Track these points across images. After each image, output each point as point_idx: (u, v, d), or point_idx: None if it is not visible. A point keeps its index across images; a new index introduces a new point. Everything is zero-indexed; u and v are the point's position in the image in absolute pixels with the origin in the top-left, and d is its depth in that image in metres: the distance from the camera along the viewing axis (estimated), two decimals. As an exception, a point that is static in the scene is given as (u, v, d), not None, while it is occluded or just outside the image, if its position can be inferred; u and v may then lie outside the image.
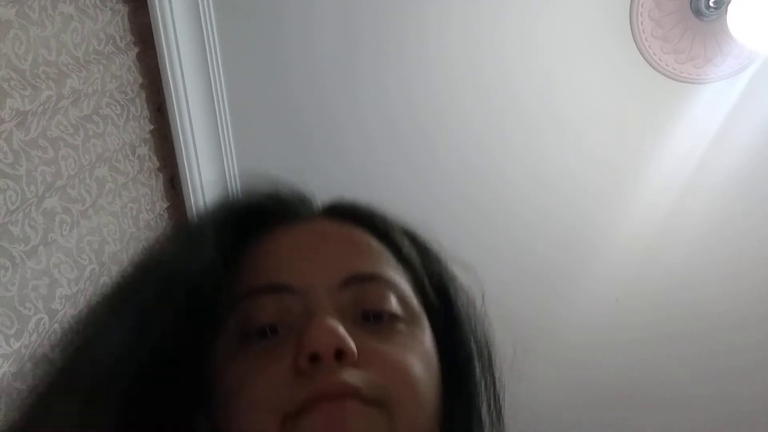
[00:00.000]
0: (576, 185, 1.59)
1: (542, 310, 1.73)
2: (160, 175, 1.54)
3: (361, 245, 0.43)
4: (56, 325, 1.11)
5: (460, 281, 0.48)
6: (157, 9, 1.40)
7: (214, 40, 1.50)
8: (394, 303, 0.40)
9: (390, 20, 1.47)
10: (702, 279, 1.65)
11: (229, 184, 1.63)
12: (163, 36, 1.42)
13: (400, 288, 0.41)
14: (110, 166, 1.32)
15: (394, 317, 0.39)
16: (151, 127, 1.49)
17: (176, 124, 1.50)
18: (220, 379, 0.37)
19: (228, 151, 1.60)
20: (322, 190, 1.76)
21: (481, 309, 0.48)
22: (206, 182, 1.59)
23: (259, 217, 0.43)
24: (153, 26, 1.41)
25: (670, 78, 1.46)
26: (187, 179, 1.55)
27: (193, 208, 1.57)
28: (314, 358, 0.35)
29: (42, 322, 1.06)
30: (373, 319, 0.39)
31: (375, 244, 0.43)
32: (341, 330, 0.35)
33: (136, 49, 1.42)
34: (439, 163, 1.59)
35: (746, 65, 1.44)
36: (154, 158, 1.51)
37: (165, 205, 1.54)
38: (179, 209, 1.60)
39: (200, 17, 1.47)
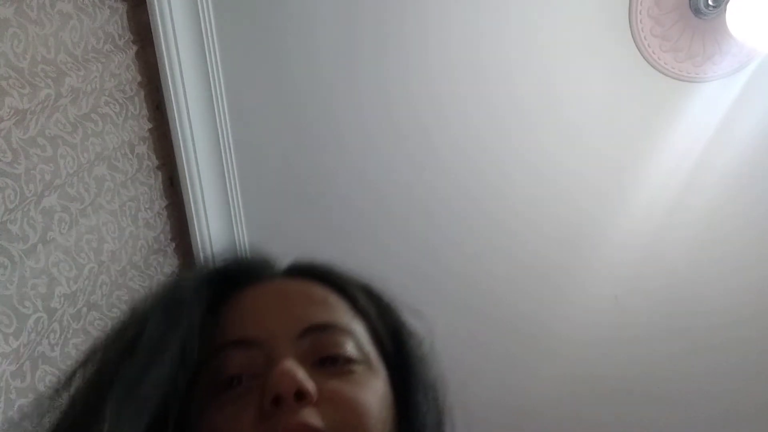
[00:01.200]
0: (576, 183, 1.59)
1: (542, 307, 1.74)
2: (159, 173, 1.54)
3: (318, 298, 0.47)
4: (55, 324, 1.11)
5: (411, 327, 0.53)
6: (156, 7, 1.40)
7: (213, 38, 1.50)
8: (349, 348, 0.44)
9: (390, 20, 1.47)
10: (701, 276, 1.65)
11: (228, 182, 1.62)
12: (162, 34, 1.42)
13: (355, 334, 0.46)
14: (109, 165, 1.32)
15: (349, 360, 0.44)
16: (150, 125, 1.49)
17: (175, 122, 1.50)
18: (198, 429, 0.41)
19: (227, 149, 1.60)
20: (321, 188, 1.77)
21: (430, 351, 0.53)
22: (205, 180, 1.59)
23: (229, 281, 0.48)
24: (152, 24, 1.41)
25: (669, 76, 1.46)
26: (186, 177, 1.55)
27: (192, 208, 1.57)
28: (277, 401, 0.38)
29: (41, 321, 1.06)
30: (330, 363, 0.43)
31: (332, 297, 0.48)
32: (301, 373, 0.40)
33: (135, 48, 1.42)
34: (440, 160, 1.59)
35: (745, 63, 1.44)
36: (153, 156, 1.51)
37: (164, 204, 1.54)
38: (178, 207, 1.60)
39: (199, 15, 1.47)
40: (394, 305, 0.53)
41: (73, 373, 0.44)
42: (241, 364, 0.42)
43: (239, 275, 0.49)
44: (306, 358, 0.42)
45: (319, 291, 0.48)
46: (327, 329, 0.44)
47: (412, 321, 0.53)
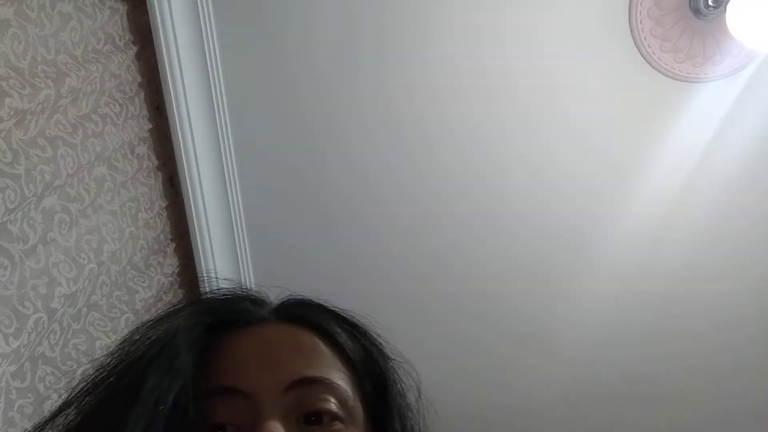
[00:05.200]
0: (576, 183, 1.59)
1: (543, 307, 1.74)
2: (159, 173, 1.54)
3: (306, 349, 0.48)
4: (55, 324, 1.12)
5: (398, 375, 0.53)
6: (156, 8, 1.40)
7: (213, 39, 1.50)
8: (333, 405, 0.45)
9: (391, 20, 1.47)
10: (701, 276, 1.65)
11: (228, 182, 1.63)
12: (162, 35, 1.42)
13: (340, 390, 0.46)
14: (109, 165, 1.32)
15: (333, 417, 0.45)
16: (150, 125, 1.49)
17: (175, 122, 1.50)
18: None
19: (227, 150, 1.60)
20: (321, 189, 1.77)
21: (415, 400, 0.53)
22: (205, 181, 1.59)
23: (218, 324, 0.48)
24: (152, 25, 1.41)
25: (669, 77, 1.46)
26: (186, 178, 1.55)
27: (192, 208, 1.57)
28: None
29: (41, 321, 1.06)
30: (314, 420, 0.44)
31: (320, 347, 0.48)
32: None
33: (135, 48, 1.42)
34: (440, 161, 1.59)
35: (745, 64, 1.44)
36: (153, 157, 1.51)
37: (164, 204, 1.54)
38: (178, 207, 1.60)
39: (199, 16, 1.47)
40: (383, 351, 0.53)
41: (58, 412, 0.45)
42: (227, 414, 0.43)
43: (231, 316, 0.49)
44: (291, 413, 0.43)
45: (308, 340, 0.49)
46: (313, 383, 0.45)
47: (400, 367, 0.53)
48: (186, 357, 0.44)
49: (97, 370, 0.46)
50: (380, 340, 0.54)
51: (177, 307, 0.51)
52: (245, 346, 0.47)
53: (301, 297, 0.54)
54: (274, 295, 0.55)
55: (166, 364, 0.43)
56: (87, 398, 0.45)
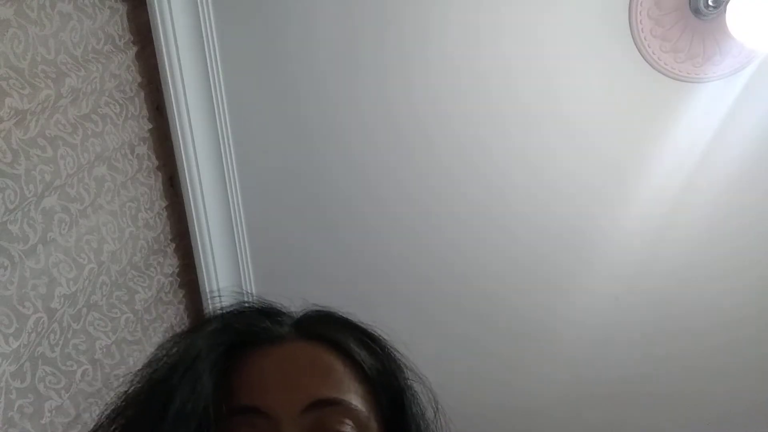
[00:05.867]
0: (576, 183, 1.59)
1: (543, 307, 1.74)
2: (159, 174, 1.54)
3: (325, 368, 0.49)
4: (55, 324, 1.11)
5: (415, 391, 0.54)
6: (156, 8, 1.40)
7: (213, 39, 1.50)
8: (349, 428, 0.46)
9: (390, 20, 1.47)
10: (701, 276, 1.65)
11: (228, 182, 1.63)
12: (162, 35, 1.42)
13: (356, 411, 0.47)
14: (109, 165, 1.32)
15: None
16: (150, 126, 1.49)
17: (175, 122, 1.50)
18: None
19: (227, 150, 1.60)
20: (322, 189, 1.77)
21: (433, 416, 0.54)
22: (205, 181, 1.59)
23: (239, 342, 0.50)
24: (152, 25, 1.41)
25: (669, 77, 1.46)
26: (186, 178, 1.55)
27: (192, 208, 1.57)
28: None
29: (41, 322, 1.06)
30: None
31: (338, 366, 0.50)
32: None
33: (135, 48, 1.42)
34: (440, 161, 1.59)
35: (745, 64, 1.44)
36: (153, 157, 1.51)
37: (164, 204, 1.54)
38: (178, 207, 1.60)
39: (199, 16, 1.47)
40: (402, 367, 0.54)
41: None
42: None
43: (251, 337, 0.51)
44: None
45: (326, 359, 0.50)
46: (331, 404, 0.46)
47: (419, 383, 0.54)
48: (207, 379, 0.45)
49: (124, 393, 0.48)
50: (399, 356, 0.55)
51: (200, 323, 0.53)
52: (265, 366, 0.48)
53: (321, 310, 0.55)
54: (285, 301, 0.56)
55: (190, 388, 0.44)
56: (116, 421, 0.47)
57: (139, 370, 0.49)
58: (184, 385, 0.45)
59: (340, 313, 0.55)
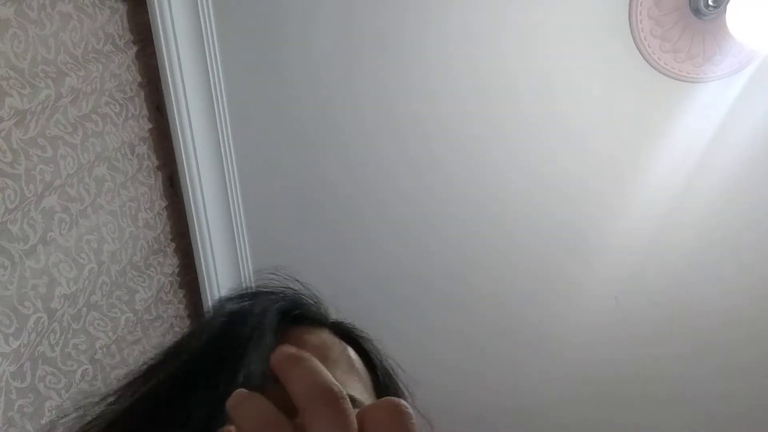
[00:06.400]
0: (575, 184, 1.59)
1: (542, 308, 1.74)
2: (159, 173, 1.54)
3: (356, 369, 0.50)
4: (55, 324, 1.11)
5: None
6: (156, 7, 1.40)
7: (213, 39, 1.50)
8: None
9: (390, 21, 1.47)
10: (701, 277, 1.65)
11: (228, 182, 1.63)
12: (162, 34, 1.42)
13: None
14: (109, 165, 1.32)
15: None
16: (150, 125, 1.49)
17: (175, 122, 1.50)
18: None
19: (227, 150, 1.60)
20: (321, 188, 1.76)
21: None
22: (205, 181, 1.59)
23: (288, 316, 0.50)
24: (152, 25, 1.41)
25: (669, 77, 1.46)
26: (186, 178, 1.55)
27: (192, 208, 1.57)
28: None
29: (41, 321, 1.06)
30: None
31: (363, 370, 0.51)
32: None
33: (135, 48, 1.42)
34: (439, 162, 1.59)
35: (745, 64, 1.44)
36: (153, 157, 1.51)
37: (164, 204, 1.54)
38: (178, 207, 1.60)
39: (199, 15, 1.47)
40: (408, 396, 0.55)
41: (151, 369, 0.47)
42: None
43: (301, 312, 0.52)
44: None
45: (357, 362, 0.51)
46: (354, 405, 0.48)
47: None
48: (270, 338, 0.46)
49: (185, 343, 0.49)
50: (400, 377, 0.56)
51: (254, 291, 0.55)
52: (310, 345, 0.49)
53: (352, 323, 0.57)
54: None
55: (256, 343, 0.45)
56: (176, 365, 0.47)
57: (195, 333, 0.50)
58: (254, 340, 0.45)
59: (366, 332, 0.57)
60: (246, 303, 0.50)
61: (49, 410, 1.08)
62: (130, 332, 1.37)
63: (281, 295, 0.52)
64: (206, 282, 1.65)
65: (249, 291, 0.54)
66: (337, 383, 0.31)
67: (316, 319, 0.52)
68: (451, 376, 1.81)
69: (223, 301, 0.52)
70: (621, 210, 1.61)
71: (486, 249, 1.68)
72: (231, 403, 0.30)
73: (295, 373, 0.31)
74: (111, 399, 0.46)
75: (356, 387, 0.47)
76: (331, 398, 0.30)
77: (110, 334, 1.28)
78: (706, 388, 1.77)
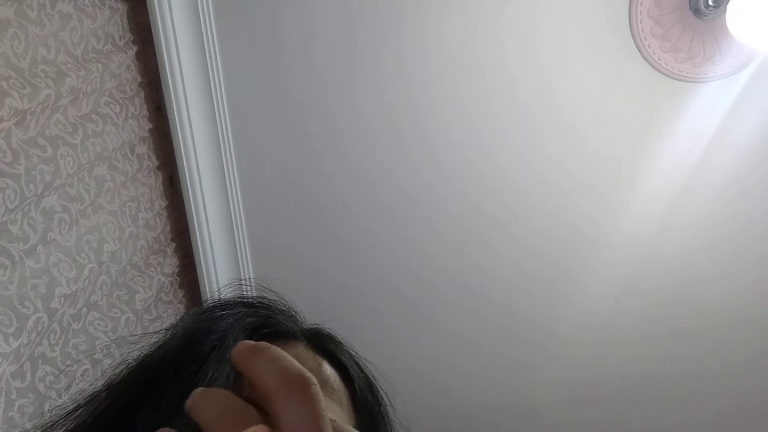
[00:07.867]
0: (575, 183, 1.59)
1: (542, 308, 1.74)
2: (159, 173, 1.54)
3: (332, 384, 0.48)
4: (55, 324, 1.11)
5: (391, 422, 0.53)
6: (156, 7, 1.40)
7: (213, 39, 1.50)
8: None
9: (390, 21, 1.47)
10: (701, 277, 1.65)
11: (228, 182, 1.63)
12: (162, 34, 1.42)
13: None
14: (109, 165, 1.32)
15: None
16: (150, 125, 1.49)
17: (175, 122, 1.50)
18: None
19: (227, 150, 1.60)
20: (321, 188, 1.77)
21: None
22: (205, 181, 1.59)
23: (259, 328, 0.48)
24: (152, 25, 1.41)
25: (669, 77, 1.46)
26: (186, 178, 1.56)
27: (192, 208, 1.57)
28: None
29: (41, 321, 1.06)
30: None
31: (339, 386, 0.48)
32: None
33: (135, 48, 1.42)
34: (439, 162, 1.59)
35: (745, 64, 1.44)
36: (153, 157, 1.51)
37: (164, 204, 1.54)
38: (178, 207, 1.60)
39: (199, 16, 1.47)
40: (390, 414, 0.53)
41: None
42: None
43: (269, 329, 0.49)
44: None
45: (332, 376, 0.49)
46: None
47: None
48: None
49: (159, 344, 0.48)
50: (380, 388, 0.54)
51: (222, 302, 0.52)
52: None
53: (330, 332, 0.54)
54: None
55: (218, 357, 0.43)
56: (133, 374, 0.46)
57: (167, 329, 0.49)
58: (214, 355, 0.43)
59: (343, 339, 0.54)
60: (212, 319, 0.48)
61: (49, 410, 1.08)
62: (130, 332, 1.37)
63: (252, 310, 0.50)
64: (206, 282, 1.65)
65: (219, 303, 0.51)
66: (305, 368, 0.29)
67: (289, 333, 0.50)
68: (451, 376, 1.81)
69: (188, 316, 0.50)
70: (621, 209, 1.61)
71: (486, 249, 1.68)
72: (189, 402, 0.29)
73: (259, 362, 0.29)
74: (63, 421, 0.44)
75: (330, 405, 0.45)
76: (300, 383, 0.28)
77: (110, 334, 1.28)
78: (706, 388, 1.77)
